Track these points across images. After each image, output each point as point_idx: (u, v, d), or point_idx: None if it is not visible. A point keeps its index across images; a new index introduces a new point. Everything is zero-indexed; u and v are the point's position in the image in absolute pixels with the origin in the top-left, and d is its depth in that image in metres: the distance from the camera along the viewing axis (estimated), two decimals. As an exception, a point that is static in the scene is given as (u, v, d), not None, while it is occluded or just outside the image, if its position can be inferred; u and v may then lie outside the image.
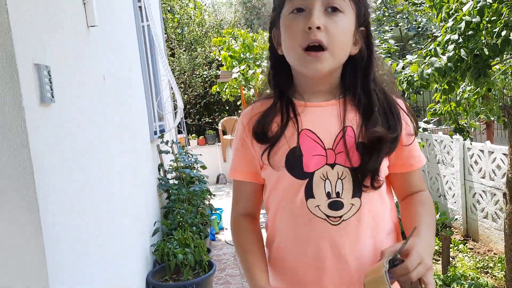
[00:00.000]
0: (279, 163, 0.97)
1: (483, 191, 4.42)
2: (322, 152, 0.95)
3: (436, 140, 5.16)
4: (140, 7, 3.94)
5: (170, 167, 4.19)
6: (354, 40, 0.97)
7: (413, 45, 8.87)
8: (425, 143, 5.38)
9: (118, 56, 2.92)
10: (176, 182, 4.01)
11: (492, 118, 3.70)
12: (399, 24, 8.71)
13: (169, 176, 4.18)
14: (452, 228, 4.97)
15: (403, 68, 2.93)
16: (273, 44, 1.03)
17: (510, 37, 2.29)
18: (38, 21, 1.55)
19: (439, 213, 4.83)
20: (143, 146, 3.53)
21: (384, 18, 8.61)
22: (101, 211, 2.08)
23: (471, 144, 4.45)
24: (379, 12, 8.76)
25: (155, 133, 3.99)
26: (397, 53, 6.79)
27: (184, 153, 4.33)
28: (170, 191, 3.73)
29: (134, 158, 3.10)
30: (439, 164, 5.18)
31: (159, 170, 4.04)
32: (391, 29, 8.42)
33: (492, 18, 2.44)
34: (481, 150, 4.36)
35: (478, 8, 2.36)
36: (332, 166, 0.95)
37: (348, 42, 0.95)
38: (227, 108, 9.51)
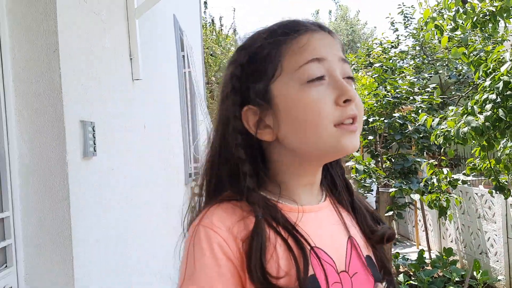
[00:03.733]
0: (272, 282, 0.64)
1: (528, 251, 4.19)
2: (336, 278, 0.70)
3: (476, 194, 4.98)
4: (183, 55, 4.14)
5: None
6: None
7: (453, 92, 8.73)
8: (463, 198, 5.19)
9: (160, 104, 3.06)
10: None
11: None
12: (439, 72, 8.63)
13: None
14: (494, 288, 4.69)
15: (438, 123, 2.90)
16: (246, 126, 0.72)
17: (551, 99, 2.24)
18: (87, 80, 1.68)
19: (480, 271, 4.59)
20: (178, 188, 3.62)
21: (424, 66, 8.57)
22: (131, 255, 2.13)
23: (508, 201, 4.26)
24: (418, 59, 8.74)
25: (190, 175, 4.08)
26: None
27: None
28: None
29: (170, 200, 3.18)
30: (479, 219, 4.96)
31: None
32: (431, 76, 8.35)
33: (533, 78, 2.41)
34: (525, 207, 4.17)
35: (517, 68, 2.34)
36: None
37: None
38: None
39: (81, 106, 1.60)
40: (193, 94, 4.36)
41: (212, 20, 11.14)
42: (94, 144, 1.66)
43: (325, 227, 0.74)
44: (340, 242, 0.74)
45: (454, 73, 8.49)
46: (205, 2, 10.97)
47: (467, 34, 4.47)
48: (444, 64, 8.83)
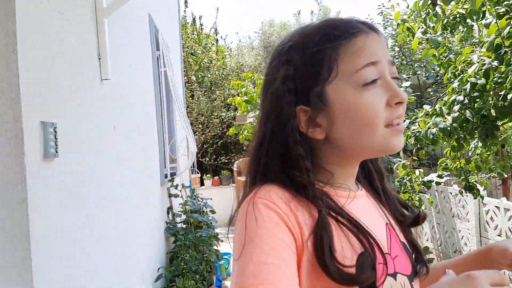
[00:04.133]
0: (347, 272, 0.66)
1: (499, 249, 4.27)
2: (381, 259, 0.72)
3: (451, 193, 5.06)
4: (159, 55, 4.10)
5: (180, 211, 4.21)
6: None
7: (431, 93, 8.87)
8: (438, 197, 5.27)
9: (132, 104, 3.02)
10: (184, 226, 4.02)
11: (506, 175, 3.63)
12: (417, 72, 8.76)
13: (178, 219, 4.20)
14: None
15: (410, 124, 2.94)
16: (299, 125, 0.75)
17: (516, 101, 2.28)
18: (49, 81, 1.64)
19: (454, 269, 4.67)
20: (153, 190, 3.59)
21: (402, 67, 8.69)
22: (104, 255, 2.11)
23: (482, 200, 4.34)
24: (397, 60, 8.85)
25: (166, 176, 4.05)
26: (415, 101, 6.78)
27: (194, 197, 4.36)
28: (177, 236, 3.73)
29: (143, 202, 3.15)
30: (454, 218, 5.05)
31: (168, 214, 4.07)
32: (409, 77, 8.47)
33: (499, 80, 2.45)
34: (496, 207, 4.25)
35: (483, 70, 2.38)
36: (394, 276, 0.74)
37: None
38: (244, 148, 9.60)
39: (41, 107, 1.57)
40: (169, 94, 4.32)
41: (194, 19, 11.09)
42: (56, 145, 1.63)
43: (366, 212, 0.78)
44: (380, 226, 0.78)
45: (432, 74, 8.64)
46: (186, 1, 10.90)
47: (437, 36, 4.54)
48: (422, 65, 8.97)
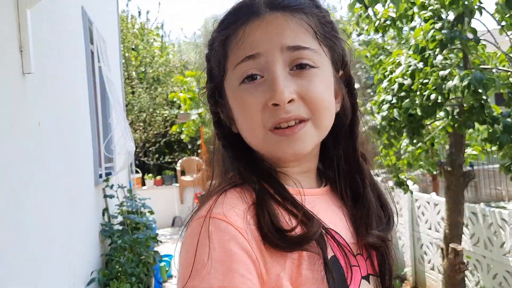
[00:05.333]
0: (316, 280, 0.60)
1: (430, 242, 4.50)
2: (354, 261, 0.66)
3: (386, 189, 5.28)
4: (92, 50, 3.93)
5: (117, 212, 4.07)
6: (334, 94, 0.70)
7: (371, 93, 9.20)
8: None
9: (61, 101, 2.87)
10: (121, 228, 3.88)
11: (434, 172, 3.83)
12: (358, 73, 9.06)
13: (115, 221, 4.05)
14: (402, 280, 5.00)
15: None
16: (221, 120, 0.72)
17: (438, 100, 2.40)
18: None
19: (388, 262, 4.88)
20: (86, 191, 3.43)
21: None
22: (28, 261, 1.97)
23: (412, 196, 4.57)
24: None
25: (101, 176, 3.89)
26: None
27: (131, 198, 4.23)
28: (112, 238, 3.60)
29: (75, 202, 3.00)
30: (389, 213, 5.27)
31: (103, 215, 3.91)
32: (350, 77, 8.75)
33: (425, 81, 2.58)
34: (427, 202, 4.48)
35: (409, 71, 2.49)
36: (367, 278, 0.68)
37: (332, 102, 0.68)
38: (188, 147, 9.47)
39: None
40: (104, 90, 4.16)
41: (139, 13, 10.77)
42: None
43: (332, 210, 0.70)
44: (346, 225, 0.70)
45: (371, 75, 8.98)
46: (129, -5, 10.58)
47: (377, 38, 4.71)
48: (363, 67, 9.30)
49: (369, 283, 0.68)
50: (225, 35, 0.67)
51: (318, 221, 0.62)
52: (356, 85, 0.76)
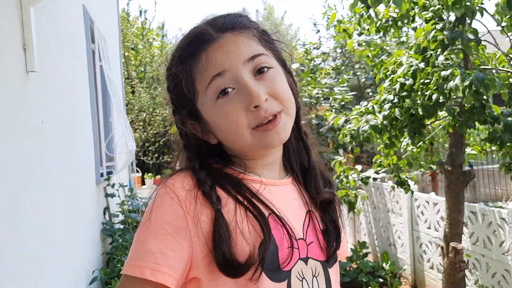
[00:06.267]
0: (250, 261, 0.71)
1: (429, 241, 4.52)
2: (294, 244, 0.78)
3: (386, 189, 5.29)
4: (93, 49, 3.94)
5: (118, 211, 4.07)
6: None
7: (370, 93, 9.22)
8: (374, 193, 5.50)
9: (63, 100, 2.87)
10: (122, 227, 3.89)
11: (435, 170, 3.85)
12: (357, 73, 9.07)
13: (116, 220, 4.06)
14: (401, 278, 5.01)
15: (345, 122, 3.03)
16: (195, 133, 0.83)
17: (440, 100, 2.42)
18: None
19: (389, 262, 4.88)
20: (87, 189, 3.43)
21: (343, 67, 8.96)
22: (28, 260, 1.98)
23: (412, 195, 4.58)
24: (338, 61, 9.12)
25: (102, 175, 3.90)
26: (354, 101, 7.04)
27: (132, 197, 4.23)
28: (113, 237, 3.60)
29: (76, 202, 3.00)
30: (389, 213, 5.28)
31: (104, 214, 3.92)
32: (350, 78, 8.75)
33: (426, 81, 2.59)
34: (426, 201, 4.49)
35: (411, 71, 2.50)
36: (306, 261, 0.79)
37: (290, 92, 0.82)
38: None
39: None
40: (105, 89, 4.16)
41: (141, 12, 10.75)
42: (-30, 141, 1.51)
43: (286, 199, 0.82)
44: (300, 214, 0.83)
45: (370, 75, 8.99)
46: (129, -7, 10.57)
47: (376, 38, 4.72)
48: (362, 67, 9.32)
49: (306, 264, 0.79)
50: (189, 65, 0.78)
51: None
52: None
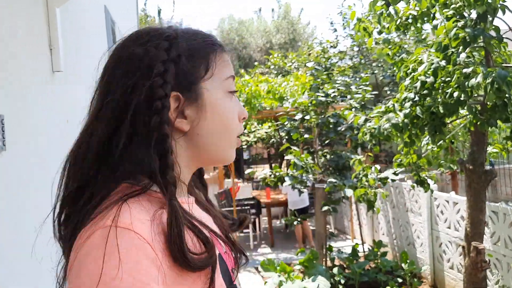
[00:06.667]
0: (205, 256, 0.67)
1: (449, 241, 4.48)
2: (226, 256, 0.80)
3: (405, 188, 5.25)
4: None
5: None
6: None
7: (388, 92, 9.14)
8: (393, 192, 5.46)
9: (86, 99, 2.93)
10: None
11: (454, 169, 3.80)
12: (375, 72, 9.00)
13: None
14: (420, 278, 4.97)
15: (365, 121, 3.03)
16: (167, 111, 0.69)
17: (461, 98, 2.40)
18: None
19: (408, 262, 4.85)
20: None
21: (361, 66, 8.91)
22: (30, 260, 2.03)
23: (432, 194, 4.54)
24: (356, 59, 9.07)
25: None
26: (372, 100, 7.00)
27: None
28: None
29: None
30: (408, 212, 5.24)
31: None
32: (367, 76, 8.69)
33: (447, 79, 2.57)
34: (446, 201, 4.45)
35: (432, 69, 2.48)
36: (233, 271, 0.82)
37: None
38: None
39: (-15, 98, 1.50)
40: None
41: (159, 12, 10.87)
42: (3, 138, 1.57)
43: (203, 216, 0.81)
44: (214, 227, 0.82)
45: (388, 73, 8.91)
46: (146, -6, 10.69)
47: (394, 36, 4.68)
48: (380, 65, 9.24)
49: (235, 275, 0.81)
50: (215, 49, 0.78)
51: (213, 242, 0.69)
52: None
